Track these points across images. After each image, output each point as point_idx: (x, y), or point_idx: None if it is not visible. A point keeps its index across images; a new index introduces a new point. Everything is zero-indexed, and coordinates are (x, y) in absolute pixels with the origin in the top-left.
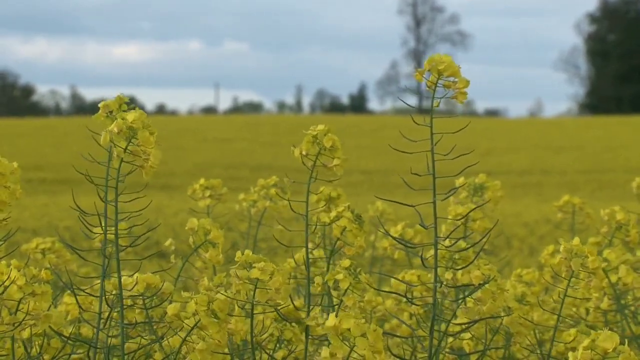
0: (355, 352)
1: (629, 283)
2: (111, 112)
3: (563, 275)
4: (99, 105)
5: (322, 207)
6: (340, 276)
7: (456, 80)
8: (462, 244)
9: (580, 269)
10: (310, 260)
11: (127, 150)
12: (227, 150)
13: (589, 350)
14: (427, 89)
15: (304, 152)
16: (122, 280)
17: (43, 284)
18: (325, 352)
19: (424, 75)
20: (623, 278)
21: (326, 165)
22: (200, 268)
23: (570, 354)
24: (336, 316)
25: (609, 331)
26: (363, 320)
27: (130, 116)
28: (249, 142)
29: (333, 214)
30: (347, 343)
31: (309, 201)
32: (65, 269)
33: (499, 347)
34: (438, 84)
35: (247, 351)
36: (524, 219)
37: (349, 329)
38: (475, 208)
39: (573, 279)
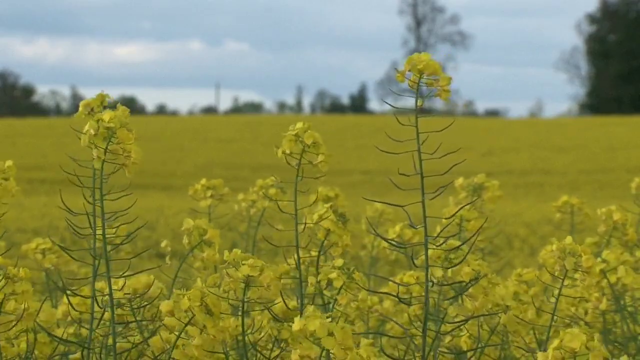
0: (330, 352)
1: (628, 284)
2: (92, 110)
3: (556, 274)
4: (80, 104)
5: (324, 207)
6: (333, 275)
7: (437, 78)
8: (452, 242)
9: (575, 268)
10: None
11: (107, 151)
12: (228, 150)
13: (559, 350)
14: (410, 88)
15: (287, 152)
16: (111, 282)
17: (23, 282)
18: (294, 354)
19: (406, 76)
20: (622, 279)
21: (311, 162)
22: (199, 268)
23: (539, 353)
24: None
25: (576, 330)
26: (329, 320)
27: (107, 116)
28: (249, 142)
29: (315, 216)
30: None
31: (297, 201)
32: (65, 270)
33: (496, 344)
34: (420, 84)
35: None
36: (525, 219)
37: (315, 330)
38: (464, 206)
39: (567, 278)
